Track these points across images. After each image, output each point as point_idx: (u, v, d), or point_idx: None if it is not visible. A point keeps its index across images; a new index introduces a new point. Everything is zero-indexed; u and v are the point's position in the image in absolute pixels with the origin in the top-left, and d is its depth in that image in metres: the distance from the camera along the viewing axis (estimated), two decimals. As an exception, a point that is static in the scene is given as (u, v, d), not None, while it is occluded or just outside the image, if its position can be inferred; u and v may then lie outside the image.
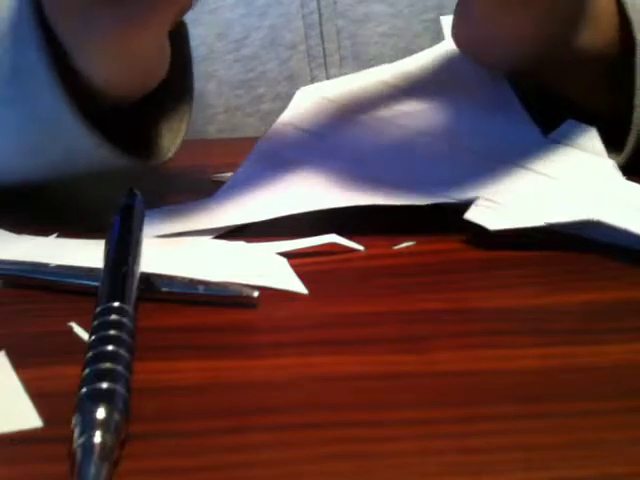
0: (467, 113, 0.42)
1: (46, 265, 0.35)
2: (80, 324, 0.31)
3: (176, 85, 0.44)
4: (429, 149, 0.40)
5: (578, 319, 0.31)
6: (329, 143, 0.42)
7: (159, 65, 0.39)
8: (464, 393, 0.27)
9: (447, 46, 0.44)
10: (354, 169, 0.40)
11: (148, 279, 0.33)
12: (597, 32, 0.42)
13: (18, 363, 0.28)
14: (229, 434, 0.25)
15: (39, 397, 0.26)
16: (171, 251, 0.36)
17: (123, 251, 0.33)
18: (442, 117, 0.42)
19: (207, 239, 0.38)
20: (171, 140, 0.44)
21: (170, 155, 0.43)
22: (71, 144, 0.38)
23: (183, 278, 0.33)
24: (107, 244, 0.34)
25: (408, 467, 0.23)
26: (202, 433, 0.25)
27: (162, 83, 0.41)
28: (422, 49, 0.45)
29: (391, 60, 0.44)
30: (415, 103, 0.42)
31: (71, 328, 0.31)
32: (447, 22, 0.44)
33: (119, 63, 0.37)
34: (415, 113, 0.42)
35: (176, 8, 0.36)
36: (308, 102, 0.44)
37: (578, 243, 0.36)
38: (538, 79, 0.44)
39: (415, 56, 0.45)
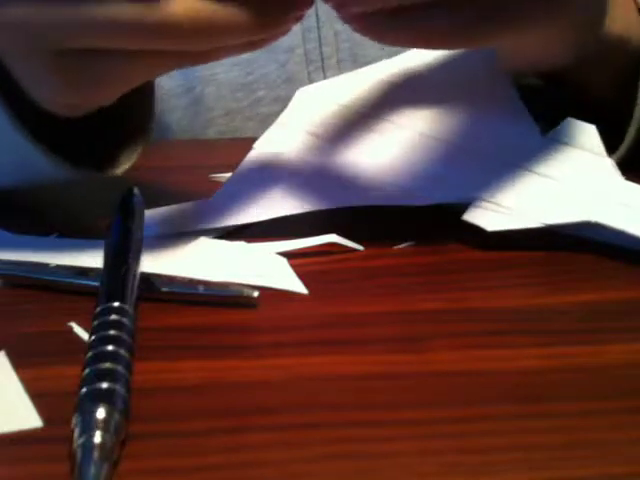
0: (466, 113, 0.42)
1: (46, 265, 0.35)
2: (80, 324, 0.31)
3: (139, 108, 0.43)
4: (428, 149, 0.40)
5: (578, 319, 0.31)
6: (329, 143, 0.42)
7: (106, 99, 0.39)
8: (464, 393, 0.27)
9: None
10: (354, 169, 0.40)
11: (148, 279, 0.33)
12: (619, 28, 0.42)
13: (18, 363, 0.28)
14: (229, 434, 0.25)
15: (39, 397, 0.26)
16: (171, 251, 0.36)
17: (123, 251, 0.33)
18: (441, 117, 0.42)
19: (207, 239, 0.38)
20: (127, 157, 0.43)
21: (121, 171, 0.42)
22: (16, 151, 0.38)
23: (183, 278, 0.33)
24: (107, 244, 0.34)
25: (408, 467, 0.23)
26: (202, 433, 0.25)
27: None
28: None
29: None
30: (415, 103, 0.42)
31: (71, 328, 0.31)
32: None
33: (62, 105, 0.37)
34: (414, 113, 0.42)
35: (131, 86, 0.36)
36: (307, 102, 0.44)
37: (577, 243, 0.36)
38: (562, 78, 0.43)
39: (414, 52, 0.44)
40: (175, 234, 0.38)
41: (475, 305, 0.32)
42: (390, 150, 0.41)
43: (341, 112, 0.43)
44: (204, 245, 0.37)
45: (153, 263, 0.34)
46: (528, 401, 0.26)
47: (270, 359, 0.29)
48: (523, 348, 0.29)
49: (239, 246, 0.37)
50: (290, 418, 0.26)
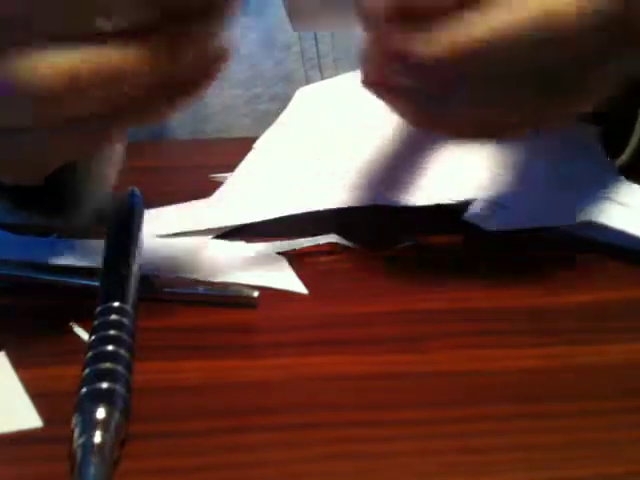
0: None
1: (46, 265, 0.35)
2: (80, 324, 0.31)
3: None
4: (428, 149, 0.40)
5: (578, 319, 0.31)
6: (329, 143, 0.42)
7: None
8: (464, 393, 0.27)
9: None
10: (354, 169, 0.40)
11: (148, 279, 0.33)
12: None
13: (18, 363, 0.28)
14: (229, 434, 0.25)
15: (39, 397, 0.26)
16: (171, 251, 0.36)
17: (123, 251, 0.33)
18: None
19: (207, 239, 0.38)
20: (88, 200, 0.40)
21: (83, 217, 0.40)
22: None
23: (183, 278, 0.33)
24: (107, 244, 0.34)
25: (408, 467, 0.23)
26: (202, 433, 0.25)
27: None
28: None
29: None
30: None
31: (71, 328, 0.31)
32: None
33: None
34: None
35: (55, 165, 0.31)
36: (308, 102, 0.44)
37: (578, 243, 0.36)
38: None
39: None
40: (175, 234, 0.38)
41: (475, 305, 0.32)
42: (390, 150, 0.41)
43: (341, 112, 0.43)
44: (204, 245, 0.37)
45: (153, 263, 0.34)
46: (528, 401, 0.26)
47: (270, 359, 0.29)
48: (523, 348, 0.29)
49: (239, 246, 0.37)
50: (290, 418, 0.26)
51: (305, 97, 0.44)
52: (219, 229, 0.39)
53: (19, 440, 0.25)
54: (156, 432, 0.25)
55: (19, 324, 0.32)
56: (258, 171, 0.41)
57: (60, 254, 0.36)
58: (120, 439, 0.24)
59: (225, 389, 0.27)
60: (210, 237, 0.38)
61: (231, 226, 0.39)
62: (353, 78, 0.45)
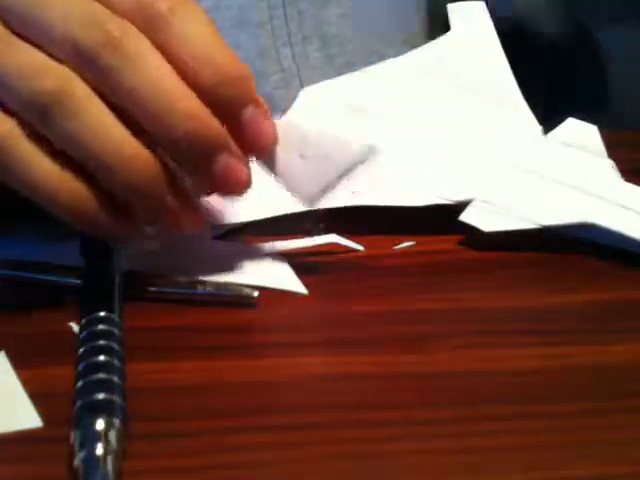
0: (468, 113, 0.42)
1: (46, 265, 0.35)
2: (80, 324, 0.31)
3: None
4: (428, 150, 0.40)
5: (578, 319, 0.31)
6: (329, 142, 0.42)
7: None
8: (464, 393, 0.27)
9: (451, 39, 0.44)
10: (354, 169, 0.40)
11: (148, 279, 0.33)
12: None
13: (18, 363, 0.28)
14: (229, 434, 0.25)
15: (39, 397, 0.26)
16: (171, 251, 0.36)
17: (103, 258, 0.33)
18: (442, 118, 0.42)
19: (207, 239, 0.38)
20: None
21: None
22: None
23: (183, 278, 0.33)
24: (85, 253, 0.33)
25: (408, 467, 0.23)
26: (202, 433, 0.25)
27: None
28: (384, 30, 0.44)
29: (353, 39, 0.44)
30: (415, 102, 0.42)
31: (71, 328, 0.31)
32: (454, 10, 0.44)
33: None
34: (415, 113, 0.42)
35: None
36: (311, 102, 0.44)
37: (577, 243, 0.36)
38: None
39: (418, 50, 0.44)
40: (175, 234, 0.38)
41: (475, 305, 0.32)
42: (390, 150, 0.41)
43: (342, 112, 0.43)
44: (204, 245, 0.37)
45: (153, 263, 0.34)
46: (528, 401, 0.26)
47: (270, 359, 0.29)
48: (523, 348, 0.29)
49: (239, 246, 0.37)
50: (290, 418, 0.26)
51: (309, 97, 0.44)
52: (219, 229, 0.39)
53: (19, 440, 0.25)
54: (156, 432, 0.25)
55: (19, 324, 0.32)
56: (258, 170, 0.41)
57: (60, 254, 0.36)
58: (121, 448, 0.24)
59: (225, 389, 0.27)
60: (210, 237, 0.38)
61: (231, 226, 0.39)
62: (356, 78, 0.45)
